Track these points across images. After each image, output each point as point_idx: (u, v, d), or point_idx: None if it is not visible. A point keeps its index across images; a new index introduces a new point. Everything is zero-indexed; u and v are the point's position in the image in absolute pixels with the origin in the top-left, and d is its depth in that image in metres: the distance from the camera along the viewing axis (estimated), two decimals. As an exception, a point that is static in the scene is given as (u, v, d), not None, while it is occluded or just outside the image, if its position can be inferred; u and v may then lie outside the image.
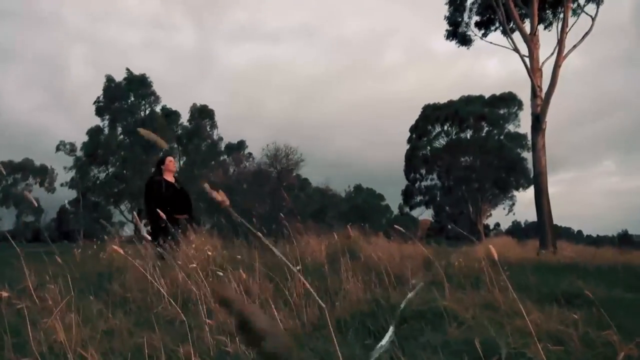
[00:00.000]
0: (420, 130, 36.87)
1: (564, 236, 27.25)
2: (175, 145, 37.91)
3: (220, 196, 1.05)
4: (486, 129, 35.26)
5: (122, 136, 36.53)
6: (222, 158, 39.72)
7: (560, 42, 12.78)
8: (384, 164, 60.49)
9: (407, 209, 38.73)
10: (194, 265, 3.13)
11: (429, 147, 36.57)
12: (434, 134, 36.66)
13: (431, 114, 36.29)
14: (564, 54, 12.74)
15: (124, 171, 35.73)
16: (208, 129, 39.68)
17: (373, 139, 69.21)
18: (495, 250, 1.56)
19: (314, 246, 5.09)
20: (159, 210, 3.28)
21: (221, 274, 2.92)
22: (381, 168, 59.43)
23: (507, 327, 2.26)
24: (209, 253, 3.73)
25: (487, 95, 36.00)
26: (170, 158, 5.69)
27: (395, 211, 45.84)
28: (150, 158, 33.91)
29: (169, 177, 5.56)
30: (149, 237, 3.07)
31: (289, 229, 4.81)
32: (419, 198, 37.35)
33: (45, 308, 2.51)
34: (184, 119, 39.47)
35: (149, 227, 5.27)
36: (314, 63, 78.33)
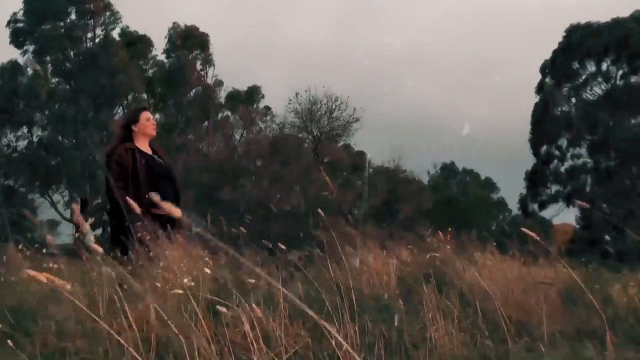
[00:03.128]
0: (560, 70, 35.77)
1: None
2: (145, 96, 38.73)
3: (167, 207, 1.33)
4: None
5: (55, 79, 37.63)
6: (220, 116, 40.37)
7: None
8: (493, 128, 59.60)
9: (534, 206, 37.64)
10: (178, 292, 3.17)
11: (574, 100, 35.50)
12: (584, 76, 35.51)
13: (581, 42, 35.11)
14: None
15: (59, 137, 36.82)
16: (199, 66, 40.38)
17: (473, 83, 68.25)
18: None
19: (376, 266, 5.10)
20: (128, 200, 3.34)
21: (224, 309, 2.95)
22: (488, 136, 58.58)
23: None
24: (207, 271, 3.80)
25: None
26: (147, 114, 5.81)
27: (514, 209, 45.07)
28: (105, 116, 34.90)
29: (145, 146, 5.69)
30: (99, 249, 3.12)
31: (334, 237, 4.81)
32: (555, 188, 36.36)
33: None
34: (159, 49, 40.22)
35: (111, 228, 5.43)
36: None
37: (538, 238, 3.14)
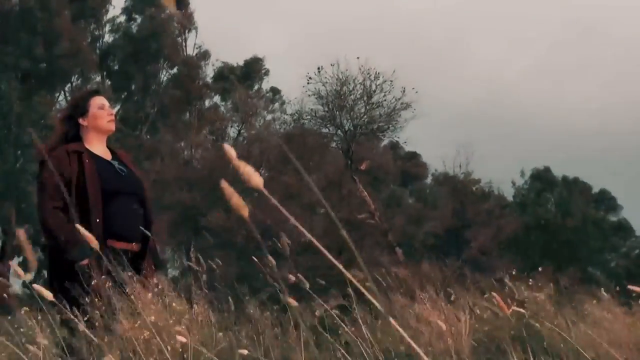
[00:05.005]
0: None
1: None
2: (98, 78, 38.91)
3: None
4: None
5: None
6: (209, 103, 40.36)
7: None
8: (610, 121, 59.30)
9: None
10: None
11: None
12: None
13: None
14: None
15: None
16: (176, 29, 40.49)
17: (577, 58, 68.15)
18: None
19: (439, 324, 5.07)
20: (78, 227, 3.36)
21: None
22: (601, 131, 58.30)
23: None
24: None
25: None
26: (100, 100, 5.77)
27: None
28: (39, 104, 35.07)
29: (99, 147, 5.68)
30: (49, 294, 3.14)
31: (376, 280, 4.82)
32: None
33: None
34: (117, 7, 40.18)
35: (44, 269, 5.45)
36: None
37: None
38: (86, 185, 5.34)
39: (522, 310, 5.81)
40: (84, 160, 5.40)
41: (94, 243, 3.19)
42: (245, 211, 1.59)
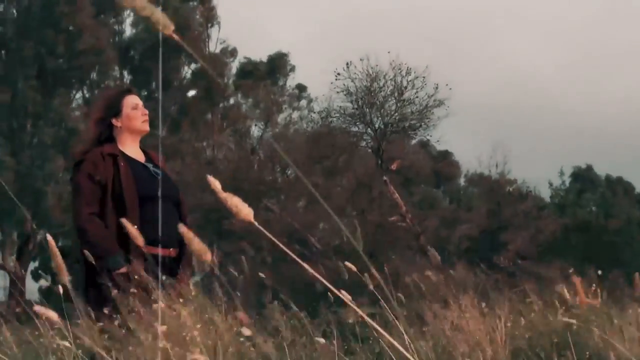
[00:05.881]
0: None
1: None
2: (117, 73, 38.95)
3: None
4: None
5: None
6: (232, 100, 40.27)
7: None
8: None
9: None
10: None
11: None
12: None
13: None
14: None
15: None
16: (197, 27, 40.48)
17: (618, 46, 67.76)
18: None
19: (476, 332, 5.04)
20: (105, 233, 3.36)
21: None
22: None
23: None
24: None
25: None
26: (134, 99, 5.75)
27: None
28: (59, 103, 35.19)
29: (133, 148, 5.68)
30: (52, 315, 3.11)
31: (409, 286, 4.80)
32: None
33: None
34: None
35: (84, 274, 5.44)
36: None
37: None
38: (122, 189, 5.37)
39: (568, 312, 5.75)
40: (119, 164, 5.43)
41: (141, 246, 3.21)
42: (250, 217, 1.64)
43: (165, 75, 38.29)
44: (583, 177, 46.93)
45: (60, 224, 31.36)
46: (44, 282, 36.81)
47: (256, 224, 1.54)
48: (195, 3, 39.66)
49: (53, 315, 2.71)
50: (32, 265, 37.17)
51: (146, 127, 5.69)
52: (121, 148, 5.54)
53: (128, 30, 39.77)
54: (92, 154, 5.47)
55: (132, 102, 5.65)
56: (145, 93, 38.85)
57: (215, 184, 1.63)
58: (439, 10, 69.13)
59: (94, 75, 37.71)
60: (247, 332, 4.50)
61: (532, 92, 67.72)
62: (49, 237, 3.20)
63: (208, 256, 1.58)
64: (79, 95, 37.73)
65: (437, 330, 4.90)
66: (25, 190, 33.94)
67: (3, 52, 36.45)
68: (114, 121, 5.58)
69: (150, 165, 5.60)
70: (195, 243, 1.59)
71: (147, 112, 5.73)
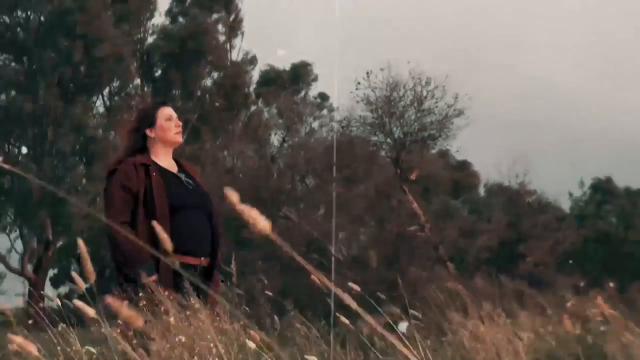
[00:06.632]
0: None
1: None
2: (138, 81, 39.00)
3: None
4: None
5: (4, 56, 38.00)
6: (253, 108, 40.20)
7: None
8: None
9: None
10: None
11: None
12: None
13: None
14: None
15: (5, 145, 37.25)
16: (220, 36, 40.57)
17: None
18: None
19: (495, 343, 5.02)
20: (135, 243, 3.38)
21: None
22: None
23: None
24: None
25: None
26: (168, 111, 5.81)
27: None
28: (79, 110, 35.29)
29: (166, 159, 5.74)
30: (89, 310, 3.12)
31: (427, 296, 4.78)
32: None
33: None
34: (161, 8, 40.23)
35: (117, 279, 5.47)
36: None
37: None
38: (153, 199, 5.45)
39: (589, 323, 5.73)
40: (152, 174, 5.52)
41: (170, 252, 3.22)
42: (267, 229, 1.63)
43: (186, 83, 38.29)
44: (603, 189, 46.73)
45: (80, 230, 31.47)
46: (62, 289, 37.00)
47: (273, 236, 1.51)
48: (222, 13, 39.50)
49: (90, 311, 2.72)
50: (52, 272, 37.27)
51: (179, 139, 5.80)
52: (154, 158, 5.63)
53: (149, 39, 39.79)
54: (125, 164, 5.57)
55: (167, 114, 5.75)
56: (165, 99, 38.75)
57: (233, 196, 1.65)
58: (459, 20, 69.10)
59: (114, 83, 37.78)
60: (251, 344, 4.51)
61: (553, 103, 67.48)
62: (80, 242, 3.26)
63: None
64: (99, 103, 37.80)
65: (457, 341, 4.89)
66: (45, 198, 34.01)
67: (25, 59, 36.46)
68: (147, 132, 5.68)
69: (182, 176, 5.68)
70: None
71: (180, 123, 5.84)
